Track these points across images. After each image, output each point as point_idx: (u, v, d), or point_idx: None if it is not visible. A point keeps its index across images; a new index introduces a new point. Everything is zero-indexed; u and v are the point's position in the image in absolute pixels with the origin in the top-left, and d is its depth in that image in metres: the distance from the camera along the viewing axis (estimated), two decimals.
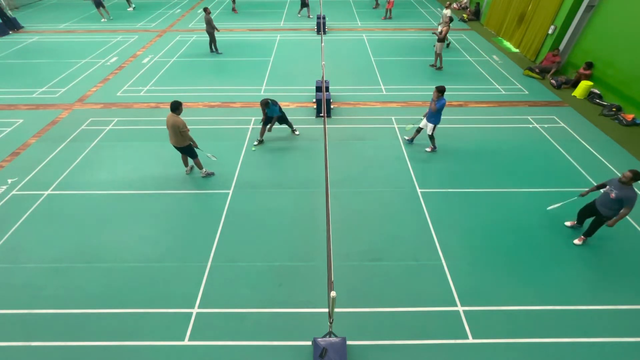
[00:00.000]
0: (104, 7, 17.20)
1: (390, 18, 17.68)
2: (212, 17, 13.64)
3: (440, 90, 7.14)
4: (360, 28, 16.42)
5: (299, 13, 18.09)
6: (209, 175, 7.35)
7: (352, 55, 13.42)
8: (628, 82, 9.46)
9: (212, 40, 13.40)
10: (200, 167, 7.22)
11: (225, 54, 13.61)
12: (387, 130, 8.94)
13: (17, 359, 4.44)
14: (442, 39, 11.56)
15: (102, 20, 17.23)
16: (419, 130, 8.07)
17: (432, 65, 12.41)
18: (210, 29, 12.96)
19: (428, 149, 8.10)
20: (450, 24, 11.55)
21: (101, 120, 9.32)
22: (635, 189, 4.99)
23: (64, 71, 12.13)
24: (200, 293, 5.18)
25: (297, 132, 8.72)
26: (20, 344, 4.58)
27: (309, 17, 17.83)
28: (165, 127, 6.70)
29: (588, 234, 5.73)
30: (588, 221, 5.85)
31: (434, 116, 7.51)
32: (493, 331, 4.70)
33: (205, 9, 12.70)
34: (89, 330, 4.71)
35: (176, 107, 6.31)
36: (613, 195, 5.06)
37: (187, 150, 6.88)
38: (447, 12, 13.15)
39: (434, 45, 12.43)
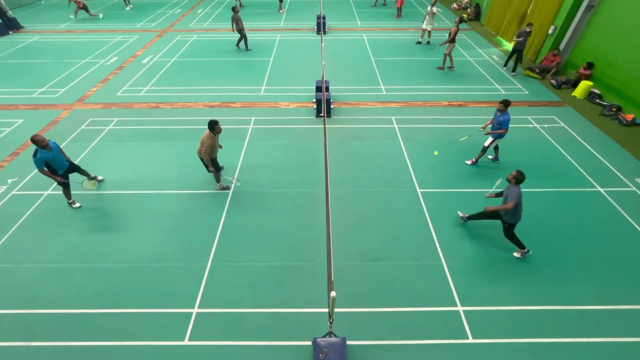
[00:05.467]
0: (77, 8, 17.24)
1: (400, 17, 17.84)
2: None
3: (505, 104, 6.77)
4: (360, 28, 16.41)
5: (280, 9, 18.71)
6: (224, 189, 7.07)
7: (352, 55, 13.42)
8: (628, 82, 9.46)
9: (242, 38, 13.64)
10: (217, 179, 6.99)
11: (225, 53, 13.61)
12: (387, 130, 8.93)
13: (17, 359, 4.44)
14: (452, 40, 11.41)
15: (71, 16, 17.40)
16: (484, 149, 7.44)
17: (440, 68, 12.27)
18: (239, 27, 13.18)
19: (468, 162, 7.70)
20: (460, 25, 11.55)
21: (101, 120, 9.31)
22: (517, 189, 5.16)
23: (64, 71, 12.13)
24: (200, 293, 5.18)
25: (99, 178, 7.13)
26: (20, 344, 4.58)
27: (280, 10, 18.62)
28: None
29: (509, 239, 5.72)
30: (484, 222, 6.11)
31: (495, 129, 7.06)
32: (493, 331, 4.70)
33: (234, 8, 12.97)
34: (89, 330, 4.72)
35: (211, 126, 6.16)
36: (504, 194, 5.41)
37: (205, 163, 6.63)
38: (433, 9, 13.45)
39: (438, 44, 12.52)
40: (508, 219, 5.42)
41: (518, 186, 5.20)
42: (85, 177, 6.92)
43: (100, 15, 17.71)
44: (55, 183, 6.87)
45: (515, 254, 5.77)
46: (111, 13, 18.49)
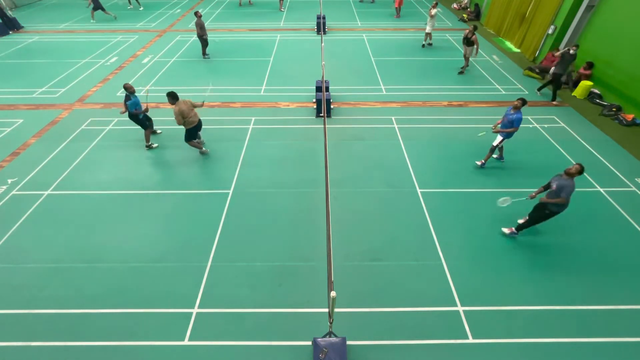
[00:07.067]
0: (103, 9, 16.98)
1: (399, 17, 17.84)
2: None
3: (523, 102, 6.71)
4: (360, 28, 16.41)
5: (281, 8, 18.88)
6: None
7: (352, 55, 13.42)
8: (628, 82, 9.46)
9: (204, 44, 12.99)
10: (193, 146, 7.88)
11: (226, 54, 13.60)
12: (387, 130, 8.93)
13: (17, 359, 4.44)
14: (468, 43, 11.28)
15: (92, 20, 17.07)
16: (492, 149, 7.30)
17: (462, 69, 12.05)
18: (202, 32, 12.51)
19: (479, 163, 7.57)
20: (476, 32, 11.41)
21: (101, 120, 9.31)
22: (573, 183, 5.09)
23: (64, 71, 12.12)
24: (200, 293, 5.18)
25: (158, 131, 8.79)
26: (20, 344, 4.58)
27: (280, 9, 18.78)
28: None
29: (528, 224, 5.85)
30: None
31: (506, 127, 6.93)
32: (493, 331, 4.70)
33: (196, 13, 12.43)
34: (89, 330, 4.72)
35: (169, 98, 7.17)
36: (554, 186, 5.23)
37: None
38: (432, 11, 13.32)
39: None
40: (553, 207, 5.35)
41: (573, 179, 5.07)
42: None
43: (93, 20, 17.28)
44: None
45: (505, 230, 6.05)
46: (112, 13, 18.45)
